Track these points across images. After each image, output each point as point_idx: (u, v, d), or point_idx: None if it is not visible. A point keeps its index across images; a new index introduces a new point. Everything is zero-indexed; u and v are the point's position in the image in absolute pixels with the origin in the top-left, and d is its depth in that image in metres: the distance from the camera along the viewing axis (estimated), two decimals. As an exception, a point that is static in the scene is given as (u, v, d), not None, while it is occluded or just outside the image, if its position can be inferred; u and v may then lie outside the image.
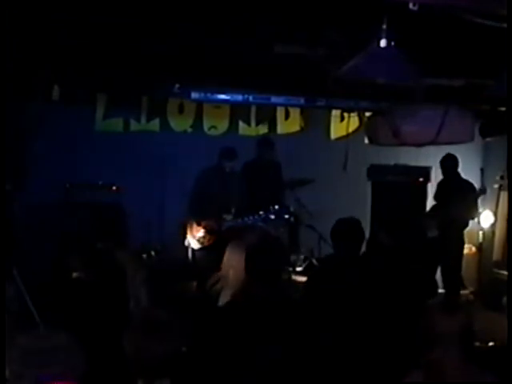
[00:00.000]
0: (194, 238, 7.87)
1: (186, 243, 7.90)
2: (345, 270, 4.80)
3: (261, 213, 7.89)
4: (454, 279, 8.22)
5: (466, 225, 8.34)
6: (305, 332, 3.75)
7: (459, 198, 8.00)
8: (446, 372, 3.01)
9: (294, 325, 3.73)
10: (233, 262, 4.04)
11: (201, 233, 7.86)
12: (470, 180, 8.33)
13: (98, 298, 5.60)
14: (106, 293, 5.56)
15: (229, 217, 7.79)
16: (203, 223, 7.85)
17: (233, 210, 7.74)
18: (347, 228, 4.97)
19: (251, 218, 7.81)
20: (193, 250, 7.87)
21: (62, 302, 5.87)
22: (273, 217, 7.94)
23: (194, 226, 7.91)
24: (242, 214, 7.75)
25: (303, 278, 6.65)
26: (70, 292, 6.13)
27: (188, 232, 7.91)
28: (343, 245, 4.92)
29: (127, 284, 4.31)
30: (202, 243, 7.85)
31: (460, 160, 8.35)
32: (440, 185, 8.54)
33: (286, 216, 7.99)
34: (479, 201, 8.46)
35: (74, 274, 6.49)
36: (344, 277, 4.74)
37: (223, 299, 4.00)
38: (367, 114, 8.86)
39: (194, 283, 6.87)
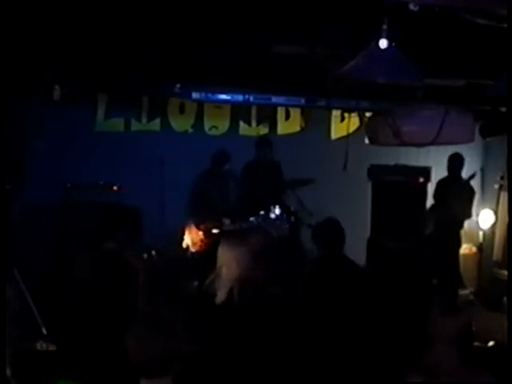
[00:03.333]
0: (192, 242, 7.90)
1: (184, 245, 7.93)
2: (326, 271, 4.87)
3: (261, 213, 7.92)
4: (452, 279, 8.22)
5: (462, 225, 8.37)
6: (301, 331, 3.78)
7: (458, 199, 8.02)
8: (445, 373, 3.01)
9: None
10: (224, 260, 4.12)
11: (199, 236, 7.89)
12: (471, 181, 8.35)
13: (105, 298, 5.61)
14: (114, 293, 5.56)
15: (227, 221, 7.82)
16: (202, 227, 7.89)
17: (231, 214, 7.78)
18: (326, 230, 5.06)
19: (252, 218, 7.84)
20: (192, 253, 7.91)
21: (65, 302, 5.88)
22: (273, 217, 7.97)
23: (193, 229, 7.95)
24: (239, 218, 7.78)
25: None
26: (74, 292, 6.13)
27: (186, 235, 7.94)
28: (324, 247, 5.00)
29: (136, 284, 4.30)
30: (199, 246, 7.87)
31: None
32: (440, 184, 8.54)
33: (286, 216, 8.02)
34: (478, 201, 8.48)
35: (82, 274, 6.49)
36: (326, 278, 4.81)
37: (219, 297, 4.06)
38: (367, 114, 8.86)
39: (196, 283, 6.88)
